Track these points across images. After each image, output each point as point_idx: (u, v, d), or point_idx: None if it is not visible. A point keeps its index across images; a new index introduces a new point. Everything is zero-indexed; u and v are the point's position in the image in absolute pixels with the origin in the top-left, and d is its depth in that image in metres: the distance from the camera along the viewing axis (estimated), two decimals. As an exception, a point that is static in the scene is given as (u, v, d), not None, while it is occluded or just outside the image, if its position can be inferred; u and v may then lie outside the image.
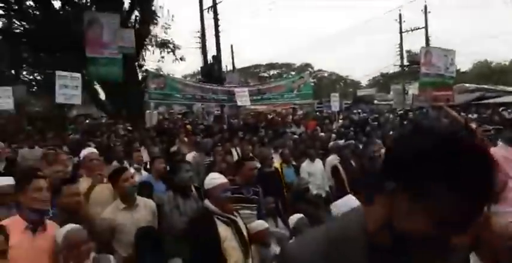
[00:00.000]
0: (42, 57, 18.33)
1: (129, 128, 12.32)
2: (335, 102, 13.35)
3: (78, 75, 8.21)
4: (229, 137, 8.73)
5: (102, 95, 20.83)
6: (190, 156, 7.05)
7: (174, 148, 8.80)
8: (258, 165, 5.90)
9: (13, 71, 20.21)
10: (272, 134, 9.38)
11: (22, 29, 17.09)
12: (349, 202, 2.74)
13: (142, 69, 18.25)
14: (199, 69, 21.08)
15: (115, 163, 5.80)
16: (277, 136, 8.79)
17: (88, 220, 3.34)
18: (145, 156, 6.78)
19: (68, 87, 7.48)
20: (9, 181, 3.31)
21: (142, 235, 3.32)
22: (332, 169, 6.11)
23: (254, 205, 4.16)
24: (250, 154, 6.62)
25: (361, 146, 7.35)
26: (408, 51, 31.31)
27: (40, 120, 18.26)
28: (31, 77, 22.36)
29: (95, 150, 4.32)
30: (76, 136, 9.50)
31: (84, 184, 3.85)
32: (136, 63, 16.27)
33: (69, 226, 2.73)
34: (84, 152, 4.17)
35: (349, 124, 11.83)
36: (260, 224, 3.82)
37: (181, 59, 18.75)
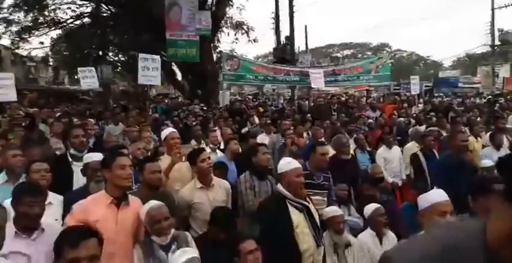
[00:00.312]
0: (126, 39, 19.45)
1: (203, 108, 12.71)
2: (415, 85, 12.49)
3: (157, 57, 8.58)
4: (301, 120, 8.60)
5: (179, 76, 21.75)
6: (261, 138, 7.09)
7: (245, 129, 8.94)
8: (330, 150, 5.78)
9: (100, 53, 21.74)
10: (345, 118, 9.07)
11: (109, 12, 18.21)
12: (437, 196, 2.53)
13: (217, 50, 18.64)
14: (272, 50, 21.00)
15: (193, 142, 6.00)
16: (351, 120, 8.48)
17: (167, 196, 3.52)
18: (219, 135, 6.93)
19: (149, 69, 7.84)
20: (99, 157, 3.56)
21: (218, 214, 3.40)
22: (412, 157, 5.76)
23: (325, 191, 4.08)
24: (322, 138, 6.48)
25: (444, 134, 6.84)
26: (500, 30, 28.20)
27: (124, 99, 19.62)
28: (116, 58, 23.93)
29: (175, 130, 4.49)
30: (156, 115, 10.00)
31: (165, 161, 4.03)
32: (212, 45, 16.60)
33: (152, 202, 2.88)
34: (166, 132, 4.36)
35: (430, 109, 11.04)
36: (333, 210, 3.74)
37: (254, 40, 18.81)
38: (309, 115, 9.27)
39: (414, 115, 9.83)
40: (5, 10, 16.56)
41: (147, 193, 3.31)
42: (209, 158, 3.70)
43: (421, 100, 13.87)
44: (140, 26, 15.60)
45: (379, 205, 3.79)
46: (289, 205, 2.98)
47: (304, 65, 15.01)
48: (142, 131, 5.97)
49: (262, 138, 7.06)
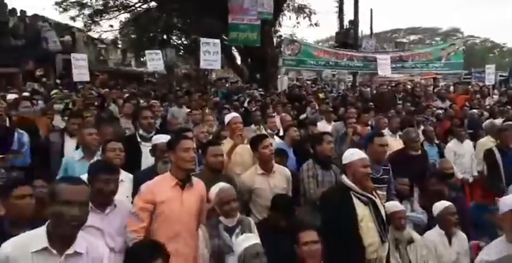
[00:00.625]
0: (189, 23, 19.84)
1: (262, 93, 12.72)
2: (490, 75, 11.54)
3: (218, 41, 8.67)
4: (364, 108, 8.28)
5: (238, 60, 21.93)
6: (322, 125, 6.96)
7: (304, 115, 8.82)
8: (394, 141, 5.55)
9: (165, 36, 22.42)
10: (411, 108, 8.61)
11: (174, -4, 18.62)
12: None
13: (277, 34, 18.47)
14: (334, 34, 20.42)
15: (252, 127, 6.02)
16: (418, 110, 8.03)
17: (230, 179, 3.58)
18: (277, 121, 6.90)
19: (210, 53, 7.96)
20: (167, 138, 3.69)
21: (279, 201, 3.41)
22: (486, 152, 5.36)
23: (384, 185, 3.93)
24: (386, 129, 6.22)
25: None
26: None
27: (186, 82, 20.20)
28: (179, 41, 24.57)
29: (238, 115, 4.54)
30: (216, 98, 10.18)
31: (227, 145, 4.10)
32: (273, 29, 16.46)
33: (221, 184, 3.00)
34: (229, 116, 4.43)
35: (506, 101, 10.17)
36: (394, 205, 3.59)
37: (315, 24, 18.36)
38: (371, 103, 8.92)
39: (488, 107, 9.11)
40: (79, -7, 17.52)
41: (209, 176, 3.39)
42: (271, 144, 3.71)
43: (496, 91, 12.80)
44: (203, 9, 15.81)
45: (449, 203, 3.58)
46: (354, 197, 2.89)
47: (368, 50, 14.39)
48: (205, 114, 6.11)
49: (323, 126, 6.93)
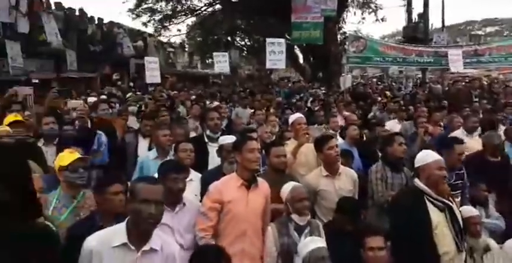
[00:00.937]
0: (253, 23, 20.12)
1: (323, 91, 12.53)
2: None
3: (282, 40, 8.69)
4: (436, 106, 7.82)
5: (301, 59, 21.79)
6: (391, 125, 6.70)
7: (371, 114, 8.54)
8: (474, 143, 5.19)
9: (229, 38, 22.95)
10: (489, 106, 7.97)
11: (238, -2, 19.01)
12: None
13: (341, 31, 18.08)
14: (401, 29, 19.54)
15: (316, 126, 5.95)
16: (498, 108, 7.42)
17: (293, 179, 3.58)
18: (340, 120, 6.75)
19: (275, 53, 8.02)
20: (232, 139, 3.79)
21: (344, 204, 3.34)
22: None
23: (458, 191, 3.71)
24: (461, 129, 5.82)
25: None
26: None
27: (248, 82, 20.51)
28: (242, 42, 25.02)
29: (302, 115, 4.52)
30: (279, 98, 10.20)
31: (291, 146, 4.09)
32: (336, 26, 16.14)
33: (294, 183, 3.06)
34: (293, 117, 4.42)
35: None
36: (470, 210, 3.36)
37: (382, 19, 17.70)
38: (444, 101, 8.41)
39: None
40: (150, 0, 18.56)
41: (273, 176, 3.42)
42: (337, 146, 3.63)
43: None
44: (266, 10, 15.95)
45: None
46: (428, 202, 2.74)
47: (440, 45, 13.57)
48: (269, 114, 6.16)
49: (393, 125, 6.67)
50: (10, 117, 3.90)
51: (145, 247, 2.08)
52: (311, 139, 3.98)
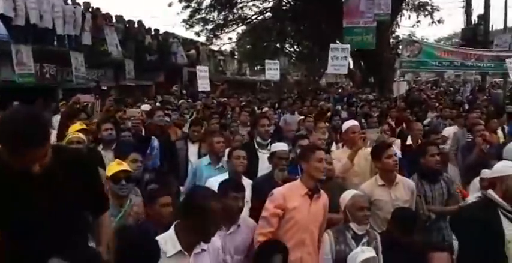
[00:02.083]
0: (302, 30, 20.12)
1: (374, 97, 12.19)
2: None
3: (347, 46, 8.57)
4: (495, 112, 7.30)
5: (350, 64, 21.43)
6: (448, 131, 6.37)
7: (427, 121, 8.18)
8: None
9: (278, 45, 23.10)
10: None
11: (288, 6, 19.10)
12: None
13: (393, 35, 17.57)
14: (460, 31, 18.61)
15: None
16: None
17: (341, 187, 3.49)
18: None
19: (338, 58, 7.96)
20: (284, 146, 3.77)
21: (400, 215, 3.20)
22: None
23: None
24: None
25: None
26: None
27: (296, 89, 20.46)
28: (291, 49, 25.08)
29: (357, 123, 4.40)
30: (328, 105, 10.06)
31: (344, 154, 3.99)
32: (390, 30, 15.70)
33: (354, 191, 3.02)
34: (347, 124, 4.30)
35: None
36: None
37: (439, 21, 16.99)
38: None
39: None
40: (203, 11, 19.17)
41: (323, 185, 3.34)
42: (396, 154, 3.49)
43: None
44: (317, 15, 15.87)
45: None
46: (502, 216, 2.57)
47: (501, 48, 12.75)
48: (318, 121, 6.07)
49: (450, 132, 6.34)
50: (75, 126, 4.14)
51: (197, 250, 2.14)
52: (368, 143, 3.85)
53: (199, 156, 4.92)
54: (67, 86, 10.34)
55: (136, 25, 14.23)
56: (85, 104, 6.73)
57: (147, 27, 15.05)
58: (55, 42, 10.28)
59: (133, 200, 3.06)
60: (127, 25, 13.58)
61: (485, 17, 15.55)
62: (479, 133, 5.22)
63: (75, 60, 9.84)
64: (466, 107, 9.18)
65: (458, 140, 5.90)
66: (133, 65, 12.40)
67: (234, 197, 2.80)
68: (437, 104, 9.26)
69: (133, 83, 12.83)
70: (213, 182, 3.60)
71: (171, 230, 2.16)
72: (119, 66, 12.34)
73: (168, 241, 2.13)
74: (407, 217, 3.17)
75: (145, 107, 7.11)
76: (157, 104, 8.62)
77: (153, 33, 15.38)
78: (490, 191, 2.63)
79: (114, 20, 12.78)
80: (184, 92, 14.70)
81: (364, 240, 2.88)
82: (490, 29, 16.49)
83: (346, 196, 2.96)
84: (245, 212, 3.39)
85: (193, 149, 5.16)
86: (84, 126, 4.22)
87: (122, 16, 13.54)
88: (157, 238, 2.19)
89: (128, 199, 3.03)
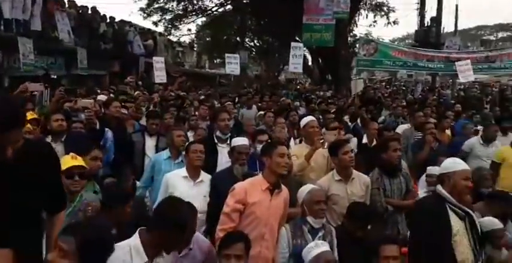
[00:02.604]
0: (262, 25, 20.12)
1: (328, 95, 12.46)
2: None
3: (301, 45, 8.66)
4: (444, 112, 7.70)
5: (309, 61, 21.77)
6: (403, 129, 6.63)
7: (381, 118, 8.47)
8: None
9: (238, 38, 22.96)
10: (500, 113, 7.85)
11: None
12: None
13: (351, 34, 18.01)
14: (412, 32, 19.43)
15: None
16: (509, 116, 7.29)
17: (299, 182, 3.55)
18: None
19: (297, 57, 8.02)
20: (244, 141, 3.75)
21: (355, 209, 3.30)
22: None
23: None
24: (472, 136, 5.75)
25: None
26: None
27: (256, 83, 20.49)
28: (251, 43, 25.03)
29: (314, 118, 4.46)
30: (288, 100, 10.16)
31: (302, 149, 4.05)
32: (348, 28, 16.07)
33: (311, 185, 3.09)
34: (306, 119, 4.36)
35: None
36: (492, 222, 3.28)
37: (394, 22, 17.63)
38: (458, 106, 8.31)
39: None
40: (161, 0, 18.60)
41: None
42: (352, 150, 3.59)
43: None
44: (277, 11, 15.91)
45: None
46: (449, 210, 2.70)
47: (451, 49, 13.45)
48: (278, 117, 6.11)
49: (403, 130, 6.61)
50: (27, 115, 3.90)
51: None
52: (326, 145, 3.93)
53: (157, 150, 4.80)
54: (14, 73, 9.69)
55: (90, 11, 13.57)
56: (33, 93, 6.32)
57: (101, 14, 14.42)
58: (2, 27, 9.59)
59: (84, 196, 2.92)
60: (80, 11, 12.92)
61: (437, 20, 16.30)
62: (429, 131, 5.48)
63: (23, 47, 9.21)
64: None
65: (407, 138, 6.16)
66: (86, 54, 11.81)
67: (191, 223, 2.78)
68: (391, 103, 9.59)
69: (86, 73, 12.24)
70: (171, 176, 3.54)
71: (137, 239, 2.12)
72: (70, 54, 11.72)
73: (133, 250, 2.08)
74: (361, 211, 3.28)
75: (101, 97, 6.83)
76: (111, 95, 8.31)
77: (108, 20, 14.74)
78: (439, 187, 2.76)
79: (66, 6, 12.11)
80: (140, 83, 14.28)
81: (320, 234, 2.95)
82: (442, 32, 17.34)
83: (304, 190, 3.03)
84: (204, 207, 3.38)
85: (150, 143, 5.01)
86: (35, 116, 3.98)
87: (74, 1, 12.87)
88: (121, 245, 2.08)
89: (77, 194, 2.90)
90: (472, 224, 2.71)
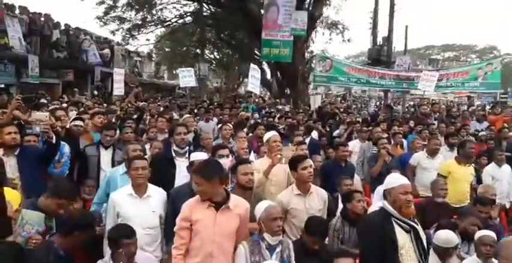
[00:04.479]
0: (223, 37, 20.26)
1: (287, 109, 12.66)
2: None
3: (257, 68, 8.84)
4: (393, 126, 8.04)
5: (268, 75, 22.10)
6: (353, 144, 6.88)
7: (336, 132, 8.73)
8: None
9: (198, 50, 22.94)
10: (447, 128, 8.34)
11: (209, 12, 19.11)
12: None
13: (309, 50, 18.53)
14: (366, 50, 20.27)
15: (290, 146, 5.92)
16: (454, 131, 7.78)
17: (260, 197, 3.59)
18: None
19: (255, 78, 8.16)
20: (203, 156, 3.75)
21: (312, 223, 3.37)
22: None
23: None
24: (420, 150, 6.09)
25: None
26: None
27: (216, 95, 20.50)
28: (211, 55, 25.07)
29: (277, 133, 4.53)
30: (247, 114, 10.22)
31: (264, 163, 4.09)
32: (305, 45, 16.55)
33: (268, 202, 3.11)
34: (269, 134, 4.40)
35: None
36: (448, 239, 3.46)
37: (348, 40, 18.37)
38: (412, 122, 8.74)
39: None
40: (119, 9, 18.25)
41: (239, 194, 3.38)
42: (311, 166, 3.67)
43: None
44: (237, 25, 16.13)
45: (485, 233, 3.40)
46: (394, 223, 2.82)
47: (401, 68, 14.20)
48: (238, 130, 6.13)
49: (354, 145, 6.86)
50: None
51: None
52: (284, 160, 3.99)
53: (113, 164, 4.67)
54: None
55: (42, 18, 13.08)
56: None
57: (55, 21, 13.93)
58: None
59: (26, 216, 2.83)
60: (32, 17, 12.42)
61: (388, 39, 17.11)
62: (383, 146, 5.75)
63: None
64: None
65: (364, 152, 6.42)
66: (38, 61, 11.35)
67: (127, 244, 2.85)
68: (346, 117, 9.90)
69: (37, 81, 11.71)
70: (115, 195, 3.47)
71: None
72: (21, 62, 11.21)
73: None
74: (318, 225, 3.36)
75: (60, 113, 6.52)
76: (64, 105, 8.00)
77: (62, 28, 14.27)
78: (385, 202, 2.90)
79: (17, 11, 11.61)
80: (96, 92, 13.85)
81: (278, 249, 2.97)
82: (393, 50, 18.21)
83: (261, 207, 3.03)
84: (153, 222, 3.38)
85: (105, 156, 4.83)
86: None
87: (26, 7, 12.37)
88: None
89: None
90: (417, 237, 2.83)
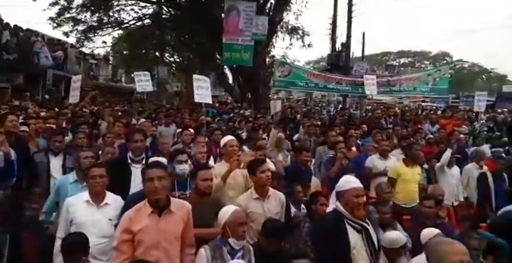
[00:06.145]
0: (183, 41, 20.01)
1: (248, 113, 12.69)
2: (481, 102, 11.32)
3: (207, 78, 8.73)
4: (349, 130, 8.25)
5: (230, 79, 22.09)
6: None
7: (296, 136, 8.84)
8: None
9: (157, 53, 22.52)
10: (401, 131, 8.68)
11: (169, 15, 18.82)
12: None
13: (270, 55, 18.68)
14: (326, 56, 20.74)
15: (246, 149, 5.93)
16: (408, 134, 8.09)
17: (219, 203, 3.55)
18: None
19: (202, 88, 8.03)
20: (163, 161, 3.65)
21: (270, 226, 3.38)
22: (479, 178, 5.40)
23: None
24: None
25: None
26: None
27: (176, 99, 20.19)
28: (171, 58, 24.70)
29: (234, 138, 4.52)
30: (207, 118, 10.11)
31: (222, 168, 4.07)
32: (266, 49, 16.67)
33: (233, 207, 3.08)
34: (225, 139, 4.40)
35: (492, 126, 10.35)
36: (396, 241, 3.59)
37: (309, 45, 18.69)
38: (364, 126, 9.00)
39: (477, 132, 9.26)
40: (73, 10, 17.54)
41: (197, 199, 3.37)
42: (269, 169, 3.69)
43: (483, 116, 13.02)
44: (197, 28, 15.99)
45: (437, 232, 3.55)
46: (347, 224, 2.89)
47: (359, 74, 14.67)
48: (197, 135, 6.05)
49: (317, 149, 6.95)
50: None
51: None
52: (242, 165, 3.99)
53: (64, 170, 4.46)
54: None
55: (-10, 18, 12.41)
56: None
57: (4, 22, 13.24)
58: None
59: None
60: (-22, 17, 11.75)
61: (347, 45, 17.62)
62: (339, 150, 5.89)
63: None
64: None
65: (320, 155, 6.54)
66: (-15, 64, 10.72)
67: (84, 260, 2.82)
68: (306, 122, 10.05)
69: (-16, 84, 11.07)
70: (71, 201, 3.34)
71: None
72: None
73: None
74: (275, 228, 3.37)
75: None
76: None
77: (12, 28, 13.58)
78: (337, 203, 2.97)
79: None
80: (47, 96, 13.25)
81: (239, 254, 2.97)
82: (352, 56, 18.78)
83: (227, 212, 3.02)
84: (108, 231, 3.24)
85: (56, 163, 4.63)
86: None
87: (-28, 6, 11.68)
88: None
89: None
90: (369, 237, 2.91)
